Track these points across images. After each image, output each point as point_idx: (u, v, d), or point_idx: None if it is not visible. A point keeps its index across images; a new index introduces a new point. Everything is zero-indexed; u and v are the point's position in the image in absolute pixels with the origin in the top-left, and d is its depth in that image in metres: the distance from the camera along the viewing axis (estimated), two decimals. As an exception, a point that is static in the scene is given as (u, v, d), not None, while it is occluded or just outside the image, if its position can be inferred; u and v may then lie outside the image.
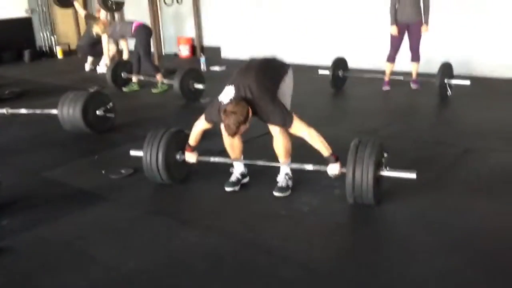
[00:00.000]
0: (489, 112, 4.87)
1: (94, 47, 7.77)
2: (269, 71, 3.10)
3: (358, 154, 2.82)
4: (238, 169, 3.36)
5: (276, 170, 3.28)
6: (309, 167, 3.08)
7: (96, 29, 6.52)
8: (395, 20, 5.65)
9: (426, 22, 5.64)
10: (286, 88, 3.16)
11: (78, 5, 7.91)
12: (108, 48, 7.00)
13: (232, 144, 3.26)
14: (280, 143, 3.13)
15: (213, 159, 3.36)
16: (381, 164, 2.91)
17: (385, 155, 2.95)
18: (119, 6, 8.01)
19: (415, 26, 5.65)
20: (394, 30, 5.67)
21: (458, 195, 3.12)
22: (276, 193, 3.16)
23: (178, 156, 3.34)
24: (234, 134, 2.87)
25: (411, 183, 2.95)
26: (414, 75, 5.91)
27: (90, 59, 8.18)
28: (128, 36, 6.34)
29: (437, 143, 4.10)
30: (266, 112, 2.92)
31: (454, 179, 3.36)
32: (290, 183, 3.23)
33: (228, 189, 3.27)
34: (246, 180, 3.38)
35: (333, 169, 2.96)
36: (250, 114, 2.86)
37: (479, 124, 4.55)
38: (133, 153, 3.45)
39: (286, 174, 3.24)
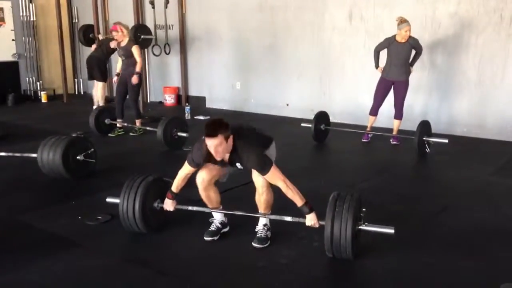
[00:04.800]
0: (465, 171, 4.97)
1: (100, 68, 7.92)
2: (257, 133, 3.24)
3: (336, 208, 2.82)
4: (218, 218, 3.33)
5: (256, 219, 3.26)
6: (288, 218, 3.07)
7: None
8: (378, 63, 5.95)
9: (412, 65, 5.90)
10: (272, 153, 3.24)
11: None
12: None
13: (209, 196, 3.24)
14: (263, 197, 3.12)
15: (191, 208, 3.32)
16: (360, 219, 2.92)
17: (363, 209, 2.96)
18: (148, 43, 8.56)
19: (400, 84, 5.86)
20: (379, 70, 5.97)
21: (436, 251, 3.12)
22: (255, 244, 3.13)
23: (155, 204, 3.30)
24: (218, 145, 2.87)
25: (389, 238, 2.95)
26: (395, 132, 6.06)
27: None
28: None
29: (415, 199, 4.15)
30: (247, 154, 2.94)
31: (432, 235, 3.38)
32: (269, 233, 3.21)
33: (207, 238, 3.23)
34: (226, 229, 3.34)
35: (311, 219, 2.95)
36: (231, 139, 2.91)
37: (456, 182, 4.63)
38: (109, 200, 3.40)
39: (265, 225, 3.23)
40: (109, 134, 6.55)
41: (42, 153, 4.47)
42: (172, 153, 5.64)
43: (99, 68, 7.92)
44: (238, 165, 3.06)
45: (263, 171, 2.95)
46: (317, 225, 2.94)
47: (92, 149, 4.69)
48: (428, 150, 5.46)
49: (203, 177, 3.15)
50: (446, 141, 5.35)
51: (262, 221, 3.23)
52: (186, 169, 3.15)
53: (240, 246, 3.17)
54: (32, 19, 9.97)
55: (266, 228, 3.21)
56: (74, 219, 3.61)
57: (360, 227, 2.89)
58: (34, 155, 4.54)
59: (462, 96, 6.52)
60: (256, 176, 3.06)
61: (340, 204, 2.83)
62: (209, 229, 3.28)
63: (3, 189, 4.42)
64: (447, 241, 3.28)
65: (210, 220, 3.34)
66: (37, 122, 7.72)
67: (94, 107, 8.05)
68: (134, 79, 6.39)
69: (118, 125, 6.63)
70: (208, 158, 3.06)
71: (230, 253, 3.11)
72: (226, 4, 8.46)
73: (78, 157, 4.53)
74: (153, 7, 8.76)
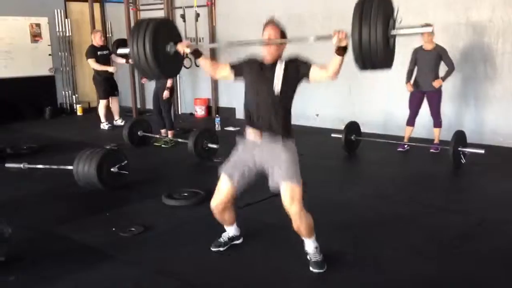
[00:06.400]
0: (503, 182, 4.81)
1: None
2: None
3: (364, 10, 2.57)
4: (230, 232, 3.31)
5: (277, 231, 3.22)
6: (311, 39, 2.92)
7: None
8: (409, 80, 5.92)
9: (443, 79, 5.79)
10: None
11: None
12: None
13: (223, 219, 3.19)
14: (303, 225, 2.90)
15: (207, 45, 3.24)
16: (391, 23, 2.63)
17: (397, 8, 2.71)
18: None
19: (432, 94, 5.83)
20: (408, 87, 5.93)
21: (472, 265, 3.03)
22: (315, 270, 2.96)
23: (168, 48, 3.01)
24: (273, 36, 3.03)
25: (425, 250, 2.88)
26: (436, 140, 6.02)
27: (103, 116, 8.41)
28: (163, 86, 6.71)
29: (451, 211, 4.04)
30: (291, 57, 3.07)
31: (468, 249, 3.28)
32: (322, 256, 3.03)
33: (213, 249, 3.25)
34: (238, 241, 3.34)
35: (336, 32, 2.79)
36: (283, 49, 3.10)
37: (493, 194, 4.48)
38: (120, 51, 3.40)
39: (316, 247, 3.04)
40: (154, 144, 6.74)
41: (78, 165, 4.57)
42: (203, 165, 5.68)
43: (95, 86, 8.29)
44: (277, 68, 3.08)
45: (307, 62, 3.04)
46: (343, 35, 2.80)
47: (126, 161, 4.77)
48: (463, 160, 5.32)
49: (216, 203, 3.05)
50: (483, 151, 5.20)
51: (311, 244, 3.04)
52: (223, 68, 3.24)
53: (268, 260, 3.16)
54: (68, 34, 10.29)
55: (318, 251, 3.05)
56: (108, 231, 3.67)
57: (392, 31, 2.65)
58: (70, 167, 4.66)
59: (498, 105, 6.33)
60: (288, 205, 2.84)
61: (367, 7, 2.56)
62: (218, 239, 3.29)
63: (40, 200, 4.54)
64: (483, 256, 3.17)
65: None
66: (73, 134, 7.92)
67: (102, 123, 8.33)
68: (166, 94, 6.67)
69: (163, 134, 6.94)
70: (251, 63, 3.18)
71: (262, 268, 3.10)
72: (255, 15, 8.48)
73: (112, 169, 4.62)
74: (184, 21, 8.90)
